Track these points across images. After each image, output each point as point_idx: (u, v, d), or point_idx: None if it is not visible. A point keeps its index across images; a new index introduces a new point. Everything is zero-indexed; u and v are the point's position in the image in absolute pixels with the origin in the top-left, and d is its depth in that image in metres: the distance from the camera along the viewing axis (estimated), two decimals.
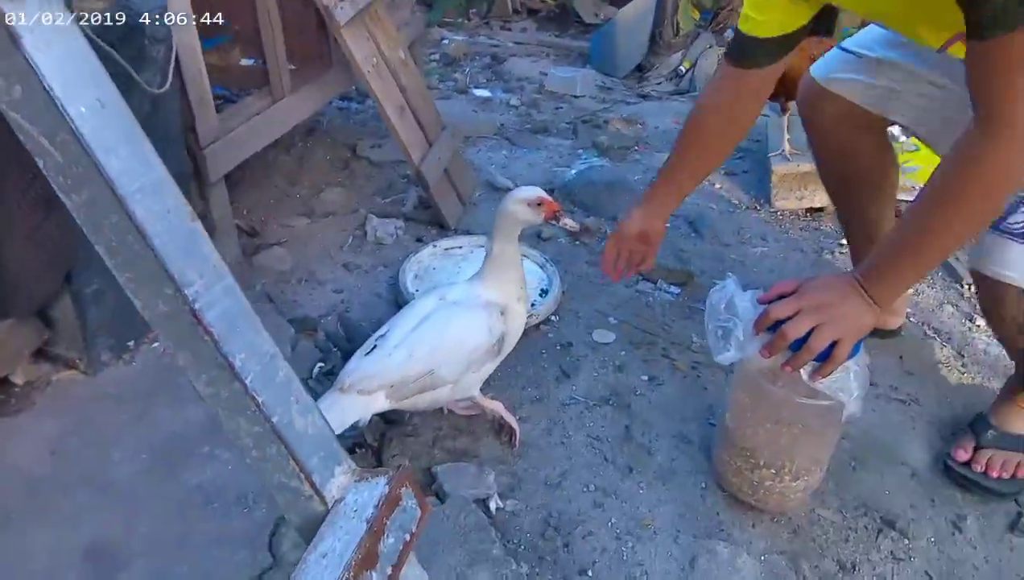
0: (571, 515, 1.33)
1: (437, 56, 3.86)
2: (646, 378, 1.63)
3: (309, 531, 0.75)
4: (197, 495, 1.30)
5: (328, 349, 1.64)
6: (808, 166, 2.16)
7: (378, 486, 0.75)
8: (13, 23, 0.58)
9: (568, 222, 1.47)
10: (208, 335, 0.68)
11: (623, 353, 1.70)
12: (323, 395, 1.33)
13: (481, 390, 1.44)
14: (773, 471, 1.29)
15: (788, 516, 1.35)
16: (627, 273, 1.60)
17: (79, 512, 1.25)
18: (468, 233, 2.10)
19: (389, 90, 1.99)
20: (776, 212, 2.32)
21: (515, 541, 1.28)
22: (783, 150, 2.31)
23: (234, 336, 0.70)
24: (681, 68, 3.63)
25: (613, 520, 1.33)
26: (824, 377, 1.14)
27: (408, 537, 0.75)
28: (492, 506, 1.33)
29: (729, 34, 3.88)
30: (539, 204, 1.40)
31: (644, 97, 3.48)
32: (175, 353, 0.71)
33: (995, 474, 1.43)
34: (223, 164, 1.65)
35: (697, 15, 3.66)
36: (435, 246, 1.98)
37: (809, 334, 1.11)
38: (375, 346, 1.37)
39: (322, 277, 1.88)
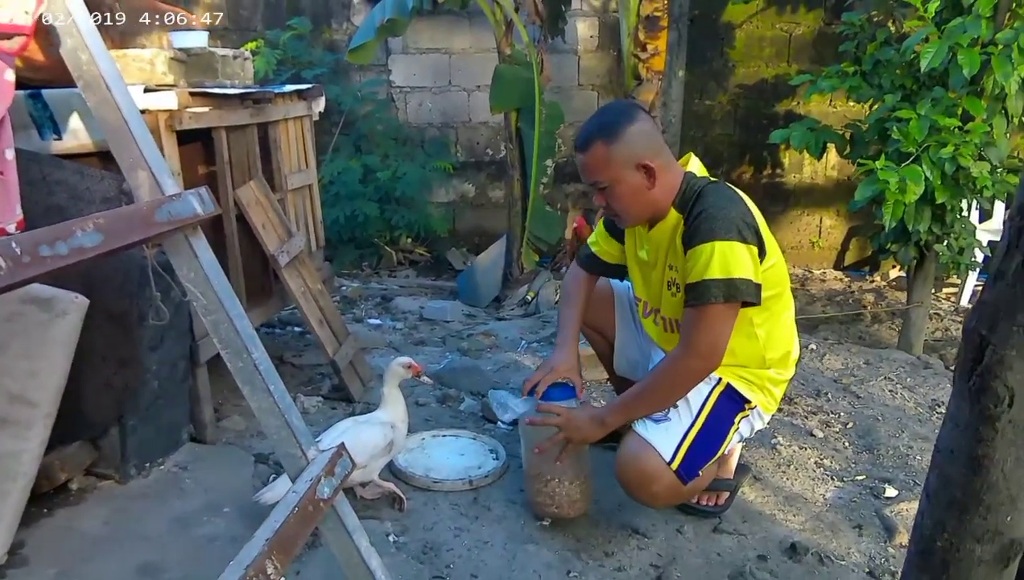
0: (439, 542, 2.15)
1: (337, 298, 4.88)
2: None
3: (296, 476, 1.60)
4: (203, 539, 2.09)
5: (277, 469, 2.47)
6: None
7: (332, 451, 1.63)
8: (191, 240, 1.52)
9: (426, 379, 2.45)
10: (260, 376, 1.57)
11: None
12: (280, 478, 2.17)
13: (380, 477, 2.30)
14: (556, 481, 2.16)
15: (574, 532, 2.21)
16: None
17: (129, 551, 2.02)
18: (367, 404, 2.99)
19: (312, 309, 2.96)
20: (585, 382, 3.31)
21: (405, 555, 2.10)
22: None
23: (270, 378, 1.59)
24: (528, 297, 4.75)
25: (466, 542, 2.15)
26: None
27: (347, 471, 1.61)
28: (391, 539, 2.16)
29: (563, 270, 5.08)
30: (409, 366, 2.36)
31: (500, 319, 4.54)
32: (242, 387, 1.60)
33: (705, 502, 2.34)
34: (206, 352, 2.54)
35: (537, 257, 4.84)
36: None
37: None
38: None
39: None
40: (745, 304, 1.98)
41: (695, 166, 2.16)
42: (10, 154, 1.51)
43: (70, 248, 1.14)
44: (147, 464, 2.35)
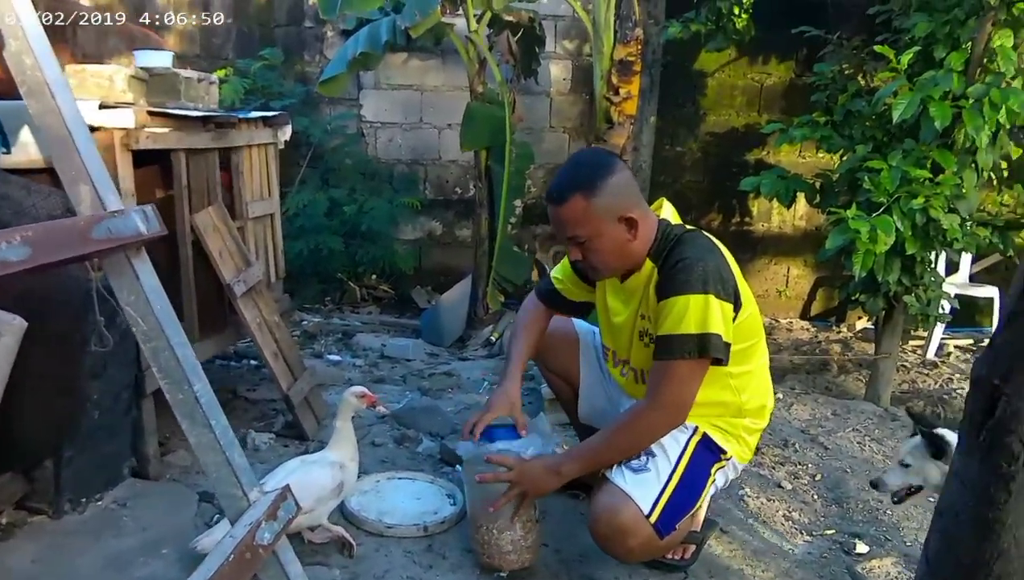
0: None
1: (298, 333, 4.75)
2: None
3: (237, 517, 1.49)
4: None
5: (223, 509, 2.33)
6: None
7: (276, 492, 1.51)
8: (134, 262, 1.41)
9: (381, 408, 2.34)
10: (201, 409, 1.47)
11: None
12: (221, 523, 2.04)
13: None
14: (485, 528, 2.06)
15: None
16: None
17: None
18: (321, 443, 2.87)
19: (267, 341, 2.84)
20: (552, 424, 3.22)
21: None
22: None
23: (211, 412, 1.48)
24: (492, 338, 4.65)
25: None
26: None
27: (291, 515, 1.50)
28: None
29: None
30: (363, 396, 2.25)
31: (463, 359, 4.44)
32: (181, 421, 1.48)
33: (672, 556, 2.23)
34: (152, 382, 2.40)
35: (502, 297, 4.76)
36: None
37: None
38: None
39: None
40: (714, 361, 1.91)
41: (668, 212, 2.10)
42: None
43: None
44: (83, 499, 2.21)
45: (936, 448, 1.99)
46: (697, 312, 1.86)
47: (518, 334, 2.36)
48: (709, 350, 1.86)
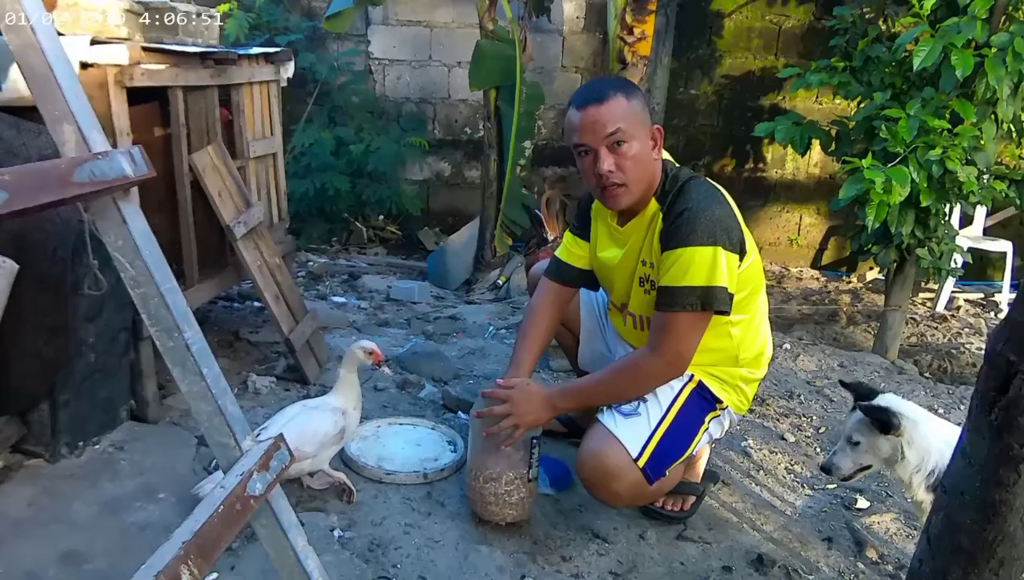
0: (387, 539, 2.02)
1: (303, 274, 4.72)
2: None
3: (229, 467, 1.47)
4: (133, 526, 1.95)
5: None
6: None
7: (269, 441, 1.49)
8: (121, 205, 1.37)
9: (387, 370, 2.32)
10: (192, 357, 1.43)
11: None
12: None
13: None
14: (473, 475, 2.04)
15: (531, 533, 2.09)
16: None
17: (53, 536, 1.87)
18: (323, 387, 2.85)
19: (268, 283, 2.81)
20: (554, 371, 3.21)
21: (349, 552, 1.97)
22: None
23: (203, 360, 1.45)
24: (499, 281, 4.62)
25: (416, 540, 2.03)
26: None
27: (284, 465, 1.48)
28: (335, 534, 2.03)
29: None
30: (371, 353, 2.22)
31: (469, 303, 4.42)
32: (172, 369, 1.46)
33: (670, 507, 2.23)
34: None
35: (510, 241, 4.71)
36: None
37: None
38: (258, 434, 2.09)
39: None
40: (717, 312, 1.88)
41: (665, 156, 2.05)
42: None
43: None
44: (80, 442, 2.20)
45: (882, 424, 1.80)
46: (704, 264, 1.82)
47: (522, 330, 2.24)
48: (713, 303, 1.84)
